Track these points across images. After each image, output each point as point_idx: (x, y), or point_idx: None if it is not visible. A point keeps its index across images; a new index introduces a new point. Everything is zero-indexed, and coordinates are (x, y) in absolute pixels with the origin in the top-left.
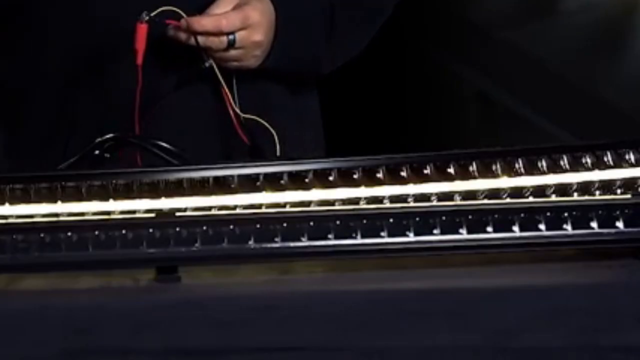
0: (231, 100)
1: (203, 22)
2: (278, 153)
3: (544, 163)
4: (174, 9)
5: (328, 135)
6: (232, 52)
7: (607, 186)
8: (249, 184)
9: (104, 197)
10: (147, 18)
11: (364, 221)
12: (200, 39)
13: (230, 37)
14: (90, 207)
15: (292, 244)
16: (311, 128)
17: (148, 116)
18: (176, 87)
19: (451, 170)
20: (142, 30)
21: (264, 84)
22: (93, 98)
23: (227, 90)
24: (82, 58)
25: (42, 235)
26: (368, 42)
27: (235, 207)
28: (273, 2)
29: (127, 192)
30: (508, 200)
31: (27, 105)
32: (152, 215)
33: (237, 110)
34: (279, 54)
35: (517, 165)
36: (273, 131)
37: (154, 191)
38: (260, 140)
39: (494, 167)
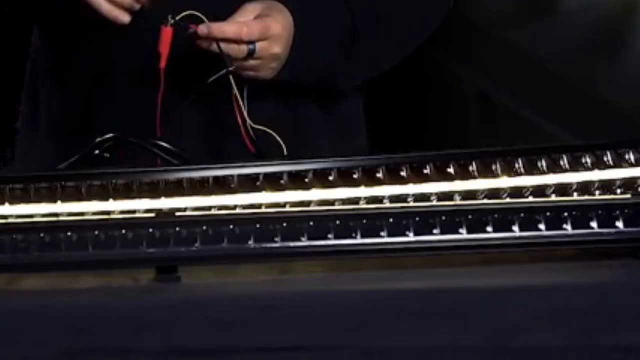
0: (242, 108)
1: (224, 29)
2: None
3: (544, 163)
4: (197, 14)
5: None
6: (251, 62)
7: (607, 186)
8: (249, 184)
9: (104, 197)
10: (172, 22)
11: (364, 221)
12: (222, 45)
13: (251, 46)
14: (90, 207)
15: (292, 244)
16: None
17: (168, 122)
18: (197, 93)
19: (451, 170)
20: (166, 34)
21: (298, 102)
22: (115, 103)
23: (239, 98)
24: (112, 61)
25: (42, 235)
26: (395, 63)
27: (235, 207)
28: (292, 14)
29: (127, 192)
30: (508, 200)
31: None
32: (152, 215)
33: (247, 118)
34: (294, 67)
35: (517, 165)
36: (282, 143)
37: (154, 191)
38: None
39: (494, 167)
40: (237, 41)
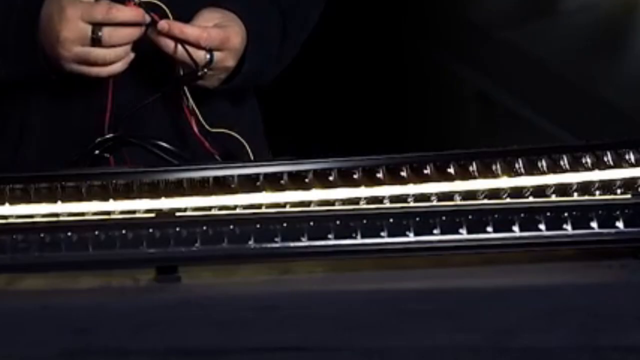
0: (199, 116)
1: (185, 30)
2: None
3: (544, 163)
4: (162, 5)
5: (328, 135)
6: (205, 71)
7: (607, 186)
8: (249, 184)
9: (104, 197)
10: (138, 1)
11: (364, 221)
12: (179, 48)
13: (208, 55)
14: (90, 207)
15: (292, 244)
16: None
17: (122, 121)
18: (159, 94)
19: (451, 170)
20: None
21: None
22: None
23: (194, 107)
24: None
25: (42, 235)
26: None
27: (235, 207)
28: (244, 24)
29: (127, 192)
30: (508, 200)
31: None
32: (152, 215)
33: (206, 126)
34: (245, 77)
35: (517, 165)
36: (244, 142)
37: (154, 191)
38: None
39: (494, 167)
40: (195, 45)
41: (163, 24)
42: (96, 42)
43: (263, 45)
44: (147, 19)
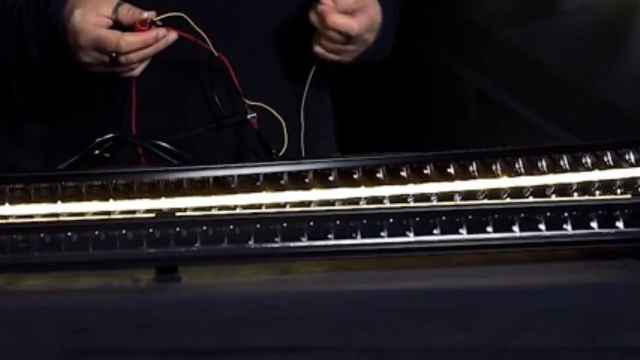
0: (239, 88)
1: (335, 20)
2: (285, 143)
3: (544, 163)
4: (182, 15)
5: None
6: (348, 47)
7: (607, 186)
8: (249, 184)
9: (104, 197)
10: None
11: (364, 221)
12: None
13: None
14: (90, 207)
15: (292, 244)
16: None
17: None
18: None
19: (451, 170)
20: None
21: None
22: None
23: (236, 80)
24: None
25: (42, 235)
26: None
27: (235, 207)
28: None
29: (127, 192)
30: (508, 200)
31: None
32: (152, 215)
33: (244, 99)
34: (379, 51)
35: (517, 165)
36: (281, 119)
37: (154, 191)
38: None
39: (494, 167)
40: (344, 33)
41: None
42: (115, 63)
43: (389, 19)
44: (161, 35)
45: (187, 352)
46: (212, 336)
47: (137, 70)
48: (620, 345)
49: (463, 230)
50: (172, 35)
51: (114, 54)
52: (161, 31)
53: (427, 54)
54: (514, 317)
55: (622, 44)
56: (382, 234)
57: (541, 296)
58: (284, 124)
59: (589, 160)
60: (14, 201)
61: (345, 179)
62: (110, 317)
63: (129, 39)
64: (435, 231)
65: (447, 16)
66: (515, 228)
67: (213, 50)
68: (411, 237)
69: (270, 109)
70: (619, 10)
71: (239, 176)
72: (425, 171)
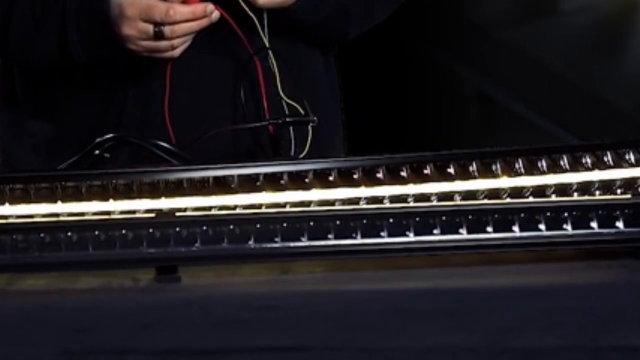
0: (278, 80)
1: None
2: (309, 137)
3: (544, 163)
4: None
5: None
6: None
7: (607, 186)
8: (249, 184)
9: (104, 197)
10: None
11: (364, 221)
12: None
13: None
14: (90, 207)
15: (292, 244)
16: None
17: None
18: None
19: (451, 170)
20: None
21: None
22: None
23: (277, 70)
24: None
25: (42, 235)
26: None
27: (235, 207)
28: None
29: (127, 192)
30: (508, 200)
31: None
32: (152, 215)
33: (282, 94)
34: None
35: (517, 165)
36: (314, 119)
37: (154, 191)
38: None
39: (494, 167)
40: None
41: None
42: (159, 36)
43: None
44: (209, 10)
45: (187, 352)
46: (212, 336)
47: (178, 51)
48: (620, 345)
49: (463, 230)
50: (216, 14)
51: (160, 27)
52: (209, 6)
53: (427, 54)
54: (514, 317)
55: (622, 44)
56: (382, 234)
57: (541, 296)
58: (314, 119)
59: (589, 160)
60: (14, 201)
61: (345, 179)
62: (110, 317)
63: (178, 8)
64: (435, 231)
65: (447, 16)
66: (515, 228)
67: (264, 38)
68: (411, 237)
69: (307, 106)
70: (619, 10)
71: (239, 176)
72: (425, 171)
